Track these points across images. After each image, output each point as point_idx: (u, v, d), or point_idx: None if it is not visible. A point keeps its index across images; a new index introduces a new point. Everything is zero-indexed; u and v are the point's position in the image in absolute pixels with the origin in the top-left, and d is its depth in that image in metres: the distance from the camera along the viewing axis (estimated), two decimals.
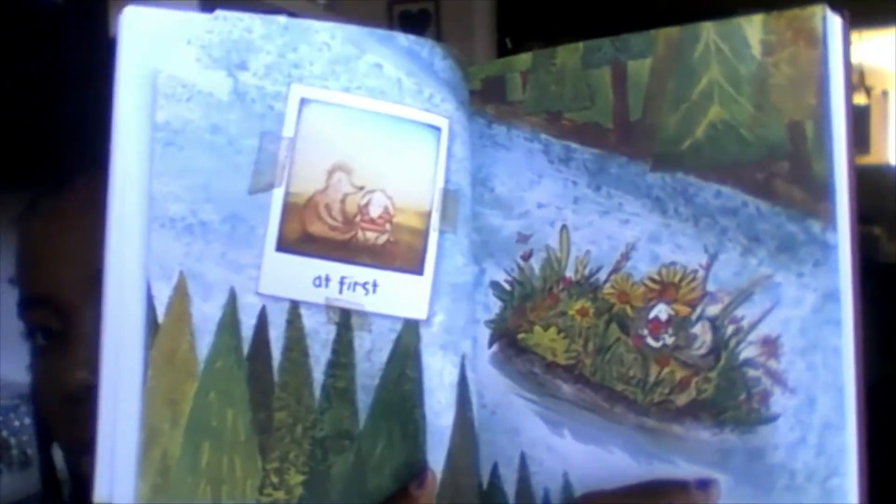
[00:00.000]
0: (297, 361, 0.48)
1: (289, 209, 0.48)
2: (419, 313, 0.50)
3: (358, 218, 0.49)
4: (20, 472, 1.41)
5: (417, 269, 0.50)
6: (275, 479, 0.47)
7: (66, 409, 0.59)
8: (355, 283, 0.49)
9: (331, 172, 0.49)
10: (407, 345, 0.49)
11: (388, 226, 0.49)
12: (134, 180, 0.45)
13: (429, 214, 0.50)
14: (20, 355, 0.65)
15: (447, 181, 0.51)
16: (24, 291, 0.63)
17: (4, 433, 1.39)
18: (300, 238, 0.48)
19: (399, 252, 0.50)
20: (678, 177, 0.49)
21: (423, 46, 0.51)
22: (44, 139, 1.28)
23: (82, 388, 0.57)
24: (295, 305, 0.48)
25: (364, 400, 0.48)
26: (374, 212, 0.49)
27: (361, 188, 0.49)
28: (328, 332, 0.48)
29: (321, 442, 0.48)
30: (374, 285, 0.49)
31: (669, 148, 0.49)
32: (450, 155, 0.51)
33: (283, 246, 0.48)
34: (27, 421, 1.41)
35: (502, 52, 3.44)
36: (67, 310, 0.60)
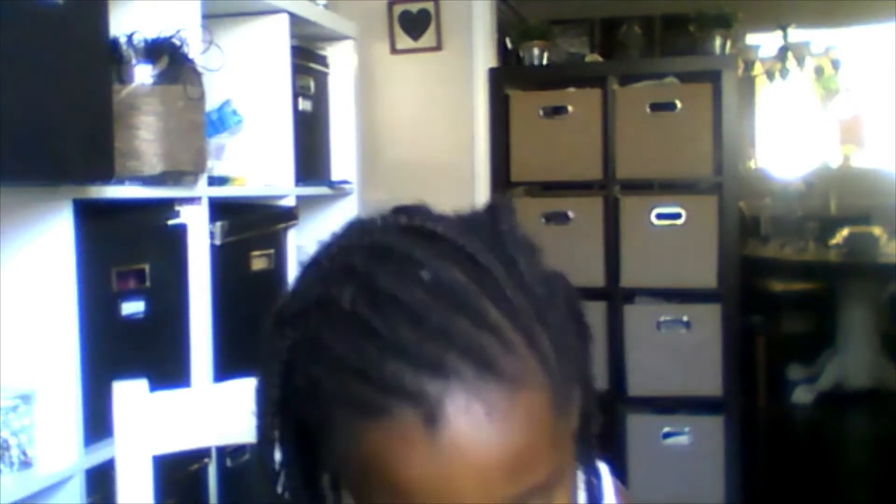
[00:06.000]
0: None
1: None
2: None
3: None
4: (20, 472, 1.40)
5: None
6: None
7: None
8: None
9: None
10: None
11: None
12: None
13: None
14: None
15: None
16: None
17: (4, 433, 1.39)
18: None
19: None
20: None
21: None
22: (44, 137, 1.28)
23: None
24: None
25: None
26: None
27: None
28: None
29: None
30: None
31: None
32: None
33: None
34: (27, 421, 1.41)
35: (502, 51, 3.43)
36: None
